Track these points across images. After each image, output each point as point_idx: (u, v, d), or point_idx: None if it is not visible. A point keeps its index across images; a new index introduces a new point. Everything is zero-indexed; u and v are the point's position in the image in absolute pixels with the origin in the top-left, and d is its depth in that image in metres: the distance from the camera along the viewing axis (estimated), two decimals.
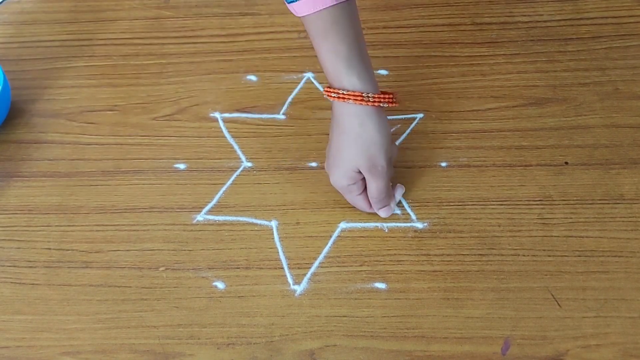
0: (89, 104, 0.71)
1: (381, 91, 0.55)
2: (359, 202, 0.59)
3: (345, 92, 0.54)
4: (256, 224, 0.60)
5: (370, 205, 0.59)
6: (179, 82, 0.72)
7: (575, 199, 0.59)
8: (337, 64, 0.54)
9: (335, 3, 0.51)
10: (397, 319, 0.53)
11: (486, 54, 0.72)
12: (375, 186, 0.56)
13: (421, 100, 0.68)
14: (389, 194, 0.58)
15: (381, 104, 0.54)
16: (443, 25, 0.75)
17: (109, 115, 0.70)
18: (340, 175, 0.57)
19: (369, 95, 0.53)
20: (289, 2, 0.53)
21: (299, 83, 0.71)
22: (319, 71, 0.71)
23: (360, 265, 0.57)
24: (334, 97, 0.54)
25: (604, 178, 0.61)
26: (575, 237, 0.57)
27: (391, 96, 0.55)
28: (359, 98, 0.53)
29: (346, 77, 0.54)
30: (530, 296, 0.54)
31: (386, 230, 0.59)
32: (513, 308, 0.53)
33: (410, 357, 0.51)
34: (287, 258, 0.57)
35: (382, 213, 0.59)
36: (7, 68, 0.73)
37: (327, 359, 0.52)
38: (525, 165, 0.62)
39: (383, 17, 0.76)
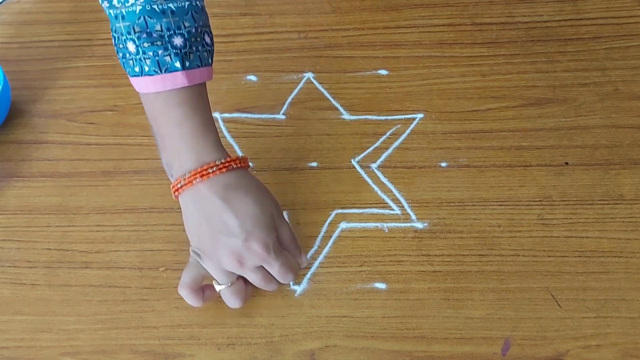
0: (89, 104, 0.71)
1: (238, 157, 0.52)
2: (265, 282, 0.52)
3: (220, 163, 0.50)
4: None
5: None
6: None
7: (575, 199, 0.59)
8: (205, 138, 0.51)
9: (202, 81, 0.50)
10: (397, 320, 0.53)
11: (486, 54, 0.72)
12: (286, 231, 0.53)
13: (421, 100, 0.68)
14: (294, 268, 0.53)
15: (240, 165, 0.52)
16: (443, 25, 0.75)
17: (109, 115, 0.70)
18: (255, 249, 0.50)
19: (234, 158, 0.51)
20: (132, 76, 0.49)
21: (299, 83, 0.71)
22: (319, 71, 0.71)
23: (360, 266, 0.57)
24: (212, 172, 0.50)
25: (604, 178, 0.61)
26: (575, 237, 0.57)
27: (242, 160, 0.53)
28: (231, 166, 0.50)
29: (213, 151, 0.51)
30: (530, 296, 0.54)
31: (386, 231, 0.59)
32: (513, 308, 0.53)
33: (410, 358, 0.51)
34: None
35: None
36: (7, 68, 0.73)
37: (327, 359, 0.52)
38: (525, 166, 0.62)
39: (383, 17, 0.77)
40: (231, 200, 0.50)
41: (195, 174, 0.50)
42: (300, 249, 0.55)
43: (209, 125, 0.52)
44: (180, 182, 0.50)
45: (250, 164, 0.54)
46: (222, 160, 0.51)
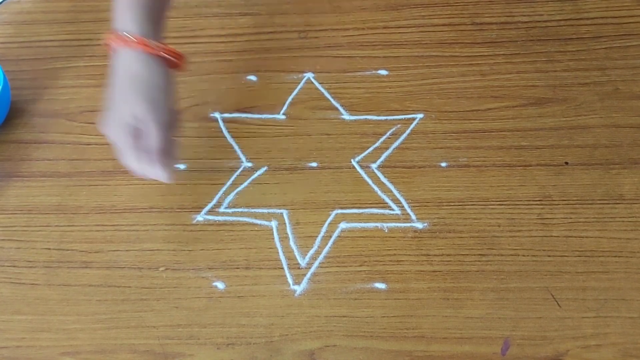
0: (89, 104, 0.71)
1: (169, 48, 0.57)
2: (134, 159, 0.53)
3: (129, 37, 0.54)
4: (256, 224, 0.60)
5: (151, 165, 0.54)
6: (179, 82, 0.72)
7: (575, 199, 0.59)
8: (130, 9, 0.55)
9: None
10: (397, 319, 0.53)
11: (486, 54, 0.72)
12: (156, 135, 0.53)
13: (421, 100, 0.68)
14: (171, 151, 0.55)
15: (162, 53, 0.56)
16: (443, 25, 0.75)
17: None
18: (115, 123, 0.54)
19: (154, 43, 0.55)
20: None
21: (299, 83, 0.71)
22: (319, 71, 0.71)
23: (360, 265, 0.57)
24: (119, 42, 0.55)
25: (604, 178, 0.61)
26: (575, 237, 0.57)
27: (175, 52, 0.57)
28: (142, 43, 0.55)
29: (133, 23, 0.55)
30: (530, 296, 0.54)
31: (386, 230, 0.59)
32: (513, 308, 0.53)
33: (410, 357, 0.51)
34: (287, 258, 0.58)
35: (163, 174, 0.53)
36: (7, 68, 0.73)
37: (326, 359, 0.52)
38: (525, 165, 0.62)
39: (383, 17, 0.76)
40: (118, 77, 0.55)
41: (128, 40, 0.55)
42: (163, 162, 0.54)
43: (157, 4, 0.57)
44: (114, 39, 0.55)
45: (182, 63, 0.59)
46: (154, 44, 0.55)
